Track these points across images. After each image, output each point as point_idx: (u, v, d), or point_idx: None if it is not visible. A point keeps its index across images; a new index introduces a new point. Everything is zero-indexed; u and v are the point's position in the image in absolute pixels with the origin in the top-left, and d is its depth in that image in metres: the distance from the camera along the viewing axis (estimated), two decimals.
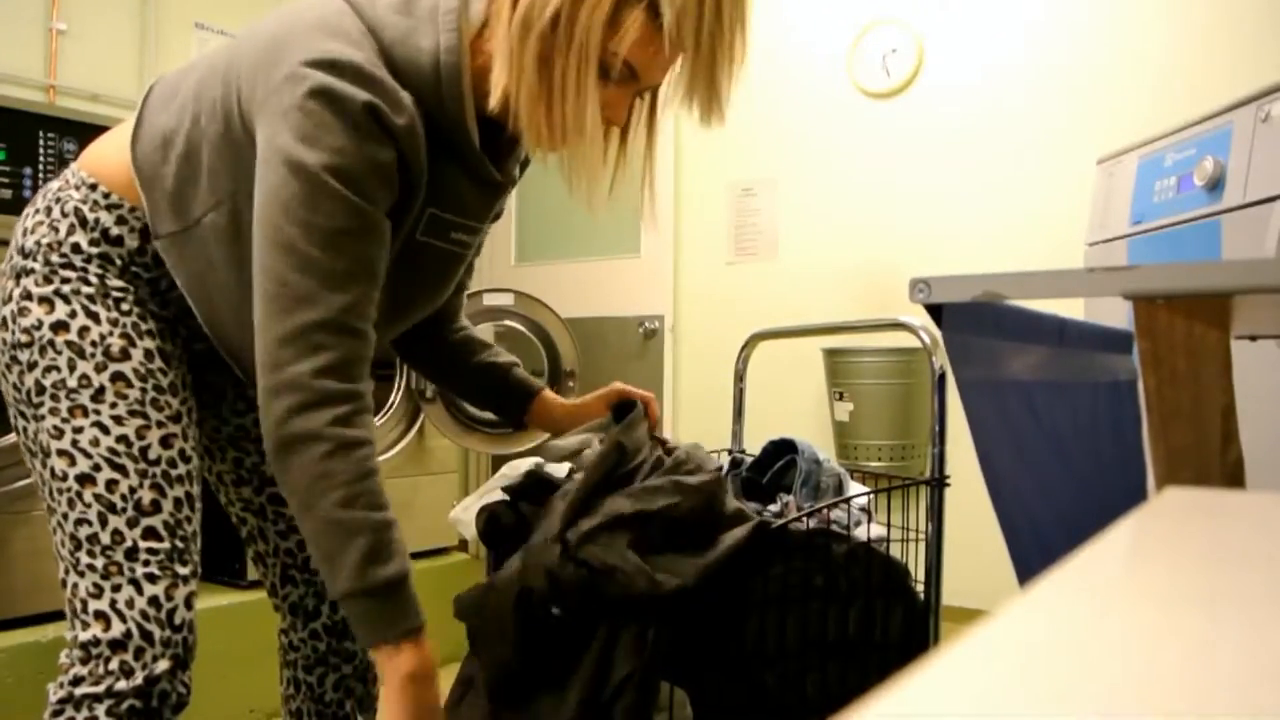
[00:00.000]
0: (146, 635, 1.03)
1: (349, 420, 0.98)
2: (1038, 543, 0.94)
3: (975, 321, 0.88)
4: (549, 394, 1.44)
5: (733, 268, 3.64)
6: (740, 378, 1.89)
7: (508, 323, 2.85)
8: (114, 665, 1.01)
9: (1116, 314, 1.79)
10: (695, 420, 3.69)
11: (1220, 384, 0.79)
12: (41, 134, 2.33)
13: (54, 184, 1.12)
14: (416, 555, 2.74)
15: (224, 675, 2.09)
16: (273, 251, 0.95)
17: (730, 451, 1.84)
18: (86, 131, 2.37)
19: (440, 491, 2.80)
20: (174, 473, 1.08)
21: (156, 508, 1.05)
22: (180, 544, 1.07)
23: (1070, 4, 2.96)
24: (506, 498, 1.37)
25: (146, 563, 1.03)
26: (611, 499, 1.17)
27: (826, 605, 1.20)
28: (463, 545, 2.95)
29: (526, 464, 1.43)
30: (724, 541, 1.14)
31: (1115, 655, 0.27)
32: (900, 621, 1.25)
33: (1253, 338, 1.28)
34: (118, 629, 1.02)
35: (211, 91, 1.03)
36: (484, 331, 2.80)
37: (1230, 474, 0.82)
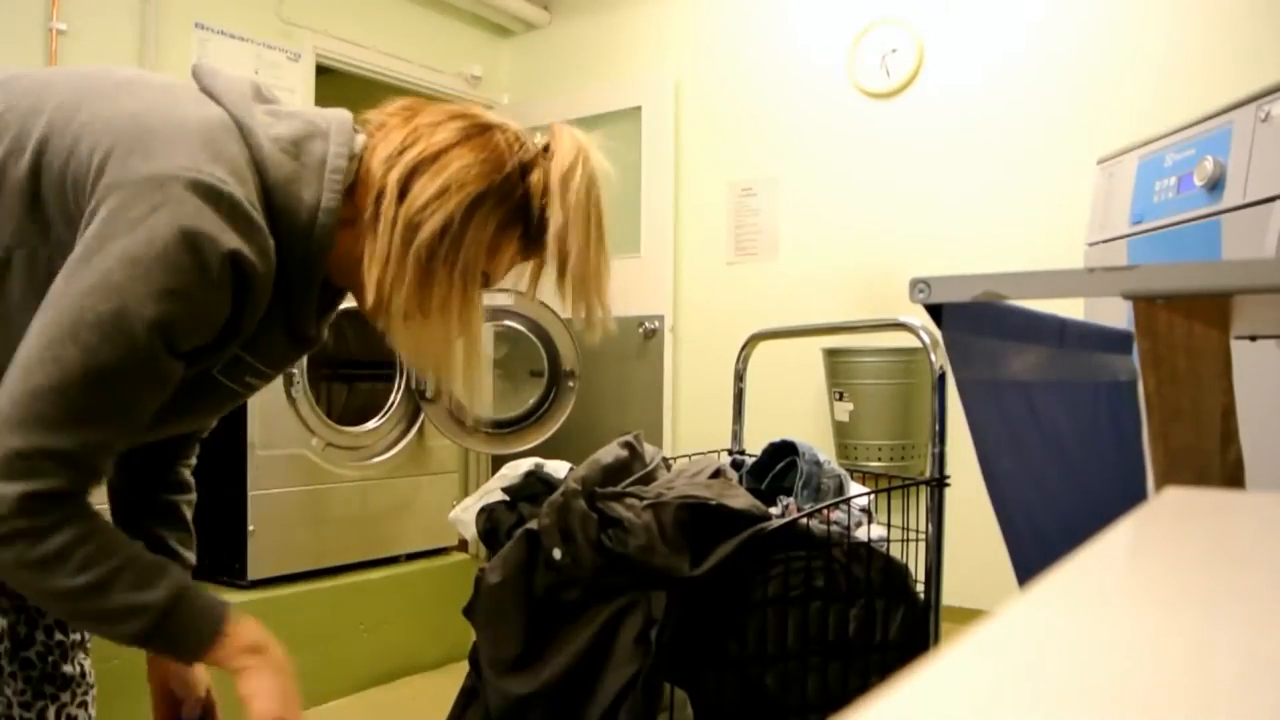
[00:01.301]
0: None
1: (45, 537, 0.86)
2: (1037, 543, 0.94)
3: (975, 321, 0.88)
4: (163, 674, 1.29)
5: (733, 268, 3.64)
6: (740, 378, 1.89)
7: (508, 323, 2.85)
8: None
9: (1116, 314, 1.79)
10: (695, 420, 3.69)
11: (1220, 384, 0.79)
12: None
13: None
14: (416, 555, 2.75)
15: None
16: (46, 361, 0.83)
17: (730, 452, 1.84)
18: None
19: (440, 491, 2.80)
20: None
21: None
22: None
23: (1070, 4, 2.96)
24: (506, 498, 1.37)
25: None
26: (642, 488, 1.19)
27: (827, 606, 1.20)
28: (463, 545, 2.95)
29: (526, 464, 1.43)
30: (725, 546, 1.15)
31: (1115, 655, 0.27)
32: (901, 622, 1.25)
33: (1253, 338, 1.28)
34: None
35: (21, 124, 0.90)
36: (484, 331, 2.80)
37: (1230, 474, 0.82)
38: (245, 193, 0.87)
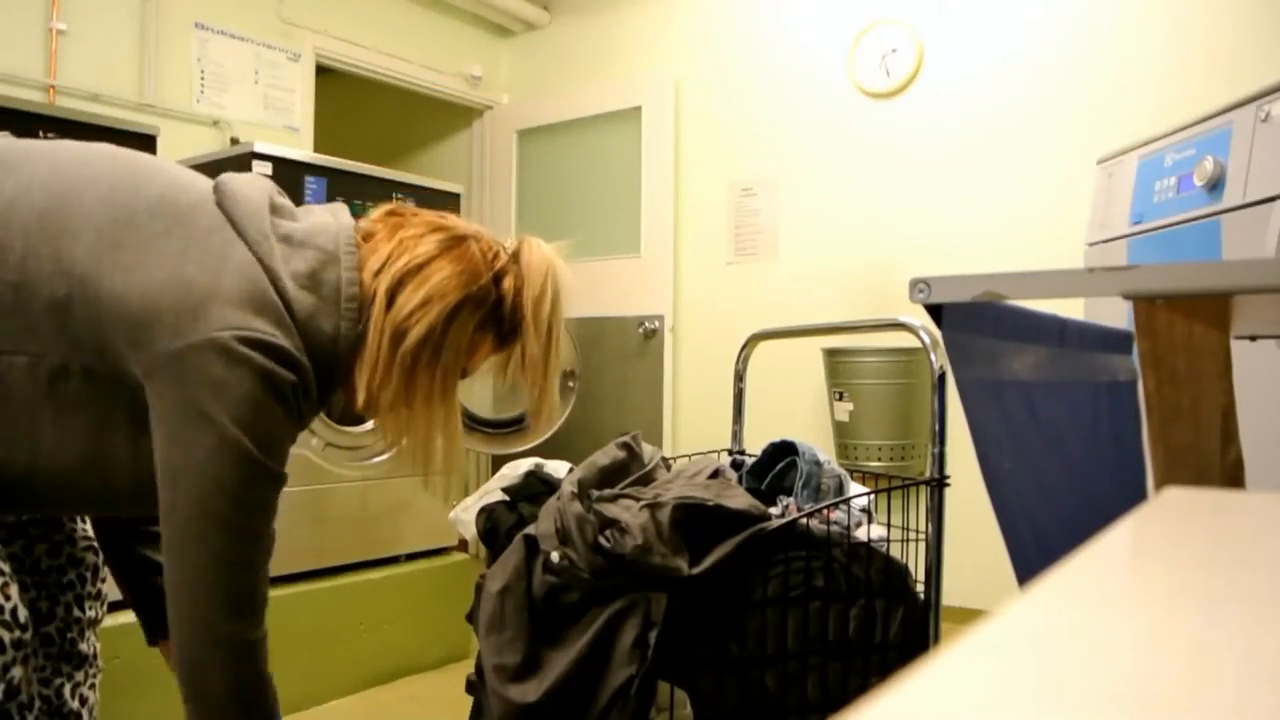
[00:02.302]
0: None
1: (264, 657, 1.05)
2: (1037, 543, 0.94)
3: (975, 321, 0.88)
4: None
5: (733, 268, 3.64)
6: (740, 378, 1.89)
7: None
8: None
9: (1116, 314, 1.79)
10: (695, 420, 3.69)
11: (1220, 384, 0.79)
12: (41, 134, 2.33)
13: None
14: (416, 555, 2.74)
15: None
16: (208, 520, 0.97)
17: (730, 452, 1.84)
18: (86, 131, 2.36)
19: (440, 492, 2.79)
20: None
21: None
22: None
23: (1070, 4, 2.96)
24: (506, 498, 1.37)
25: None
26: (639, 489, 1.18)
27: (827, 606, 1.20)
28: (463, 545, 2.95)
29: (526, 464, 1.43)
30: (724, 545, 1.14)
31: (1115, 655, 0.27)
32: (900, 622, 1.25)
33: (1253, 338, 1.28)
34: None
35: (60, 246, 0.96)
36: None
37: (1230, 474, 0.82)
38: (292, 342, 1.00)
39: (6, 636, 0.98)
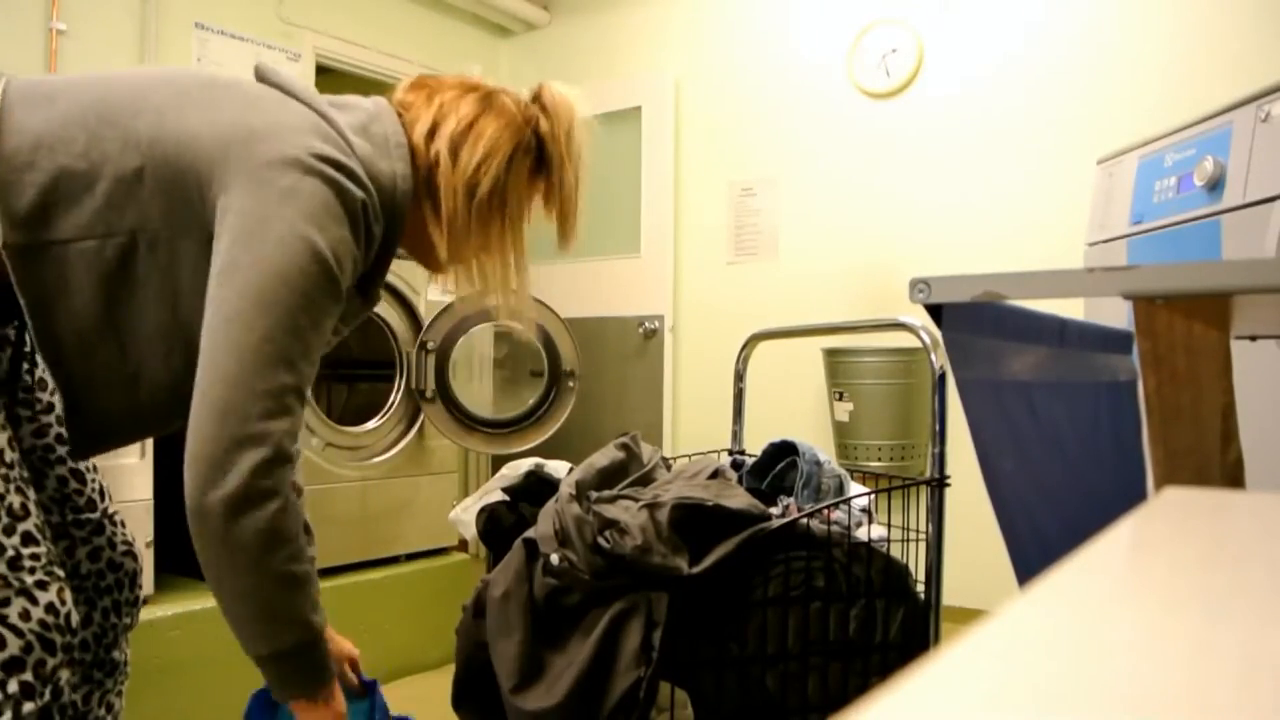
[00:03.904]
0: (48, 645, 0.97)
1: (292, 483, 0.98)
2: (1037, 543, 0.94)
3: (975, 321, 0.88)
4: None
5: (733, 268, 3.64)
6: (740, 378, 1.89)
7: (508, 322, 2.84)
8: (13, 688, 0.94)
9: (1116, 314, 1.79)
10: (695, 420, 3.69)
11: (1220, 384, 0.79)
12: None
13: None
14: (416, 555, 2.74)
15: (223, 675, 2.08)
16: (262, 309, 0.95)
17: (730, 452, 1.84)
18: None
19: (440, 491, 2.80)
20: (25, 474, 1.04)
21: (26, 511, 1.00)
22: (51, 546, 1.02)
23: (1071, 4, 2.96)
24: (506, 498, 1.37)
25: (32, 570, 0.98)
26: (637, 490, 1.18)
27: (827, 606, 1.20)
28: (463, 545, 2.95)
29: (527, 464, 1.43)
30: (724, 545, 1.14)
31: (1115, 655, 0.27)
32: (901, 622, 1.25)
33: (1253, 338, 1.28)
34: (14, 646, 0.95)
35: (131, 124, 1.00)
36: (484, 332, 2.80)
37: (1230, 474, 0.82)
38: (357, 166, 1.03)
39: (58, 640, 0.98)
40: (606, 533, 1.11)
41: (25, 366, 1.20)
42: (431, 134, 1.12)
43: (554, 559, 1.11)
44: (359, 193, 1.02)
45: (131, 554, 1.30)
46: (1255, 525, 0.48)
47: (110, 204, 0.99)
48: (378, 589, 2.57)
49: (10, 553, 0.97)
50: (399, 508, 2.67)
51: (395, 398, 2.68)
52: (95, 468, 1.27)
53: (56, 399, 1.23)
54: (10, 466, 1.00)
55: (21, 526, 0.99)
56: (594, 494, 1.17)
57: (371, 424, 2.64)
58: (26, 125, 0.99)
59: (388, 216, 1.09)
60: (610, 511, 1.13)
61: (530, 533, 1.17)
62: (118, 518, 1.29)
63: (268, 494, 0.94)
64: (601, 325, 3.80)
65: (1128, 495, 1.17)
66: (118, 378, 1.03)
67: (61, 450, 1.23)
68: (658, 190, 3.77)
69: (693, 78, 3.76)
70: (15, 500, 0.99)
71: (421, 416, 2.70)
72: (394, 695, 2.49)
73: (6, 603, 0.95)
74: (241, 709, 1.24)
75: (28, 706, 0.94)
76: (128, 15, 3.02)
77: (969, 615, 2.74)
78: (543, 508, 1.24)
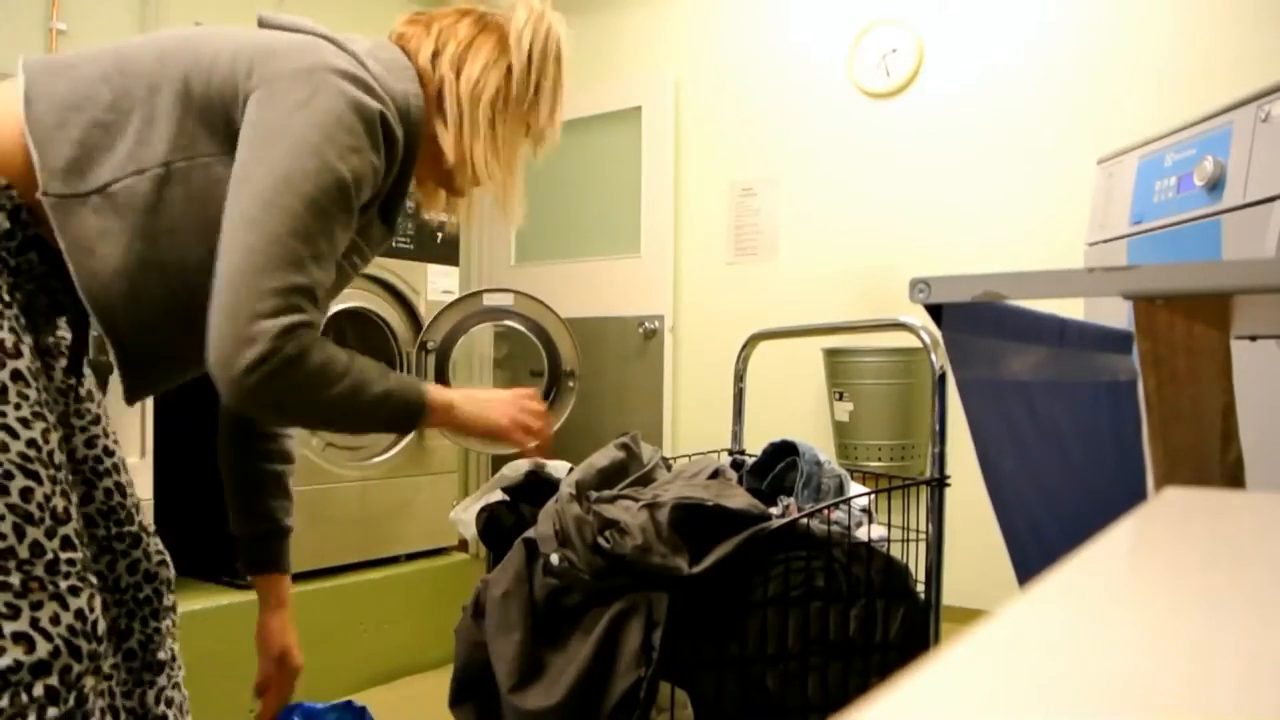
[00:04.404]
0: (75, 651, 0.98)
1: (307, 357, 1.02)
2: (1038, 543, 0.94)
3: (975, 321, 0.88)
4: (285, 583, 1.42)
5: (733, 268, 3.64)
6: (740, 378, 1.89)
7: (508, 323, 2.84)
8: (38, 691, 0.94)
9: (1116, 314, 1.79)
10: (695, 420, 3.69)
11: (1220, 384, 0.79)
12: None
13: None
14: (416, 555, 2.74)
15: (223, 675, 2.08)
16: (269, 211, 0.99)
17: (731, 452, 1.84)
18: None
19: (440, 491, 2.80)
20: (70, 478, 1.04)
21: (68, 516, 1.01)
22: (86, 553, 1.03)
23: (1070, 4, 2.96)
24: (506, 498, 1.37)
25: (67, 575, 0.99)
26: (636, 490, 1.18)
27: (827, 606, 1.20)
28: (463, 545, 2.95)
29: (527, 464, 1.43)
30: (724, 545, 1.14)
31: (1115, 655, 0.27)
32: (901, 622, 1.25)
33: (1253, 338, 1.28)
34: (43, 649, 0.95)
35: (153, 68, 1.05)
36: (484, 332, 2.80)
37: (1230, 474, 0.82)
38: (372, 80, 1.09)
39: (85, 647, 0.99)
40: (606, 533, 1.10)
41: (73, 380, 1.22)
42: (435, 56, 1.21)
43: (554, 559, 1.11)
44: (375, 104, 1.07)
45: (165, 563, 1.33)
46: (1255, 525, 0.48)
47: (140, 141, 1.03)
48: (378, 589, 2.57)
49: (49, 555, 0.98)
50: (399, 508, 2.67)
51: None
52: (131, 482, 1.29)
53: (104, 410, 1.26)
54: (59, 469, 1.01)
55: (62, 530, 1.00)
56: (594, 494, 1.17)
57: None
58: (53, 90, 1.03)
59: (405, 134, 1.14)
60: (610, 511, 1.13)
61: (530, 533, 1.17)
62: (151, 529, 1.32)
63: (291, 360, 0.99)
64: (601, 325, 3.80)
65: (1128, 495, 1.17)
66: (166, 316, 1.06)
67: (109, 462, 1.25)
68: (658, 190, 3.77)
69: (693, 78, 3.76)
70: (60, 504, 1.00)
71: None
72: (394, 695, 2.49)
73: (39, 606, 0.96)
74: (243, 707, 1.25)
75: (51, 712, 0.95)
76: (128, 15, 3.02)
77: (969, 615, 2.74)
78: (543, 508, 1.24)
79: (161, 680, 1.30)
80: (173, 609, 1.34)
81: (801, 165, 3.48)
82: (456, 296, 2.63)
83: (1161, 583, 0.36)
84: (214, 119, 1.04)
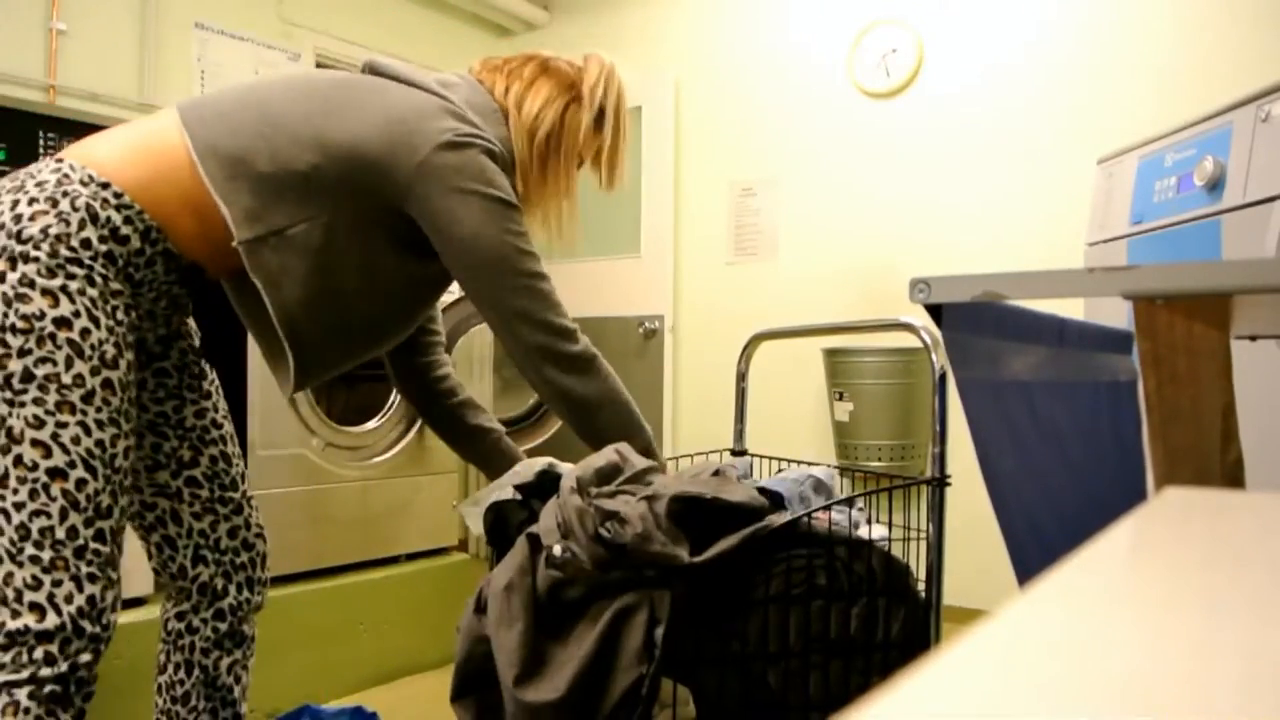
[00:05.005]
0: (78, 630, 1.10)
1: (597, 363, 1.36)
2: (1037, 543, 0.94)
3: (975, 321, 0.88)
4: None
5: (733, 268, 3.64)
6: (742, 378, 1.89)
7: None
8: (38, 654, 1.08)
9: (1116, 314, 1.79)
10: (695, 420, 3.69)
11: (1220, 384, 0.79)
12: (41, 134, 2.33)
13: (45, 175, 1.15)
14: (416, 555, 2.74)
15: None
16: (500, 264, 1.25)
17: (733, 452, 1.84)
18: (86, 131, 2.36)
19: (440, 491, 2.80)
20: (126, 483, 1.16)
21: (109, 513, 1.13)
22: (117, 551, 1.15)
23: (1071, 4, 2.96)
24: (519, 496, 1.37)
25: (90, 562, 1.11)
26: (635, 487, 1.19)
27: (829, 604, 1.20)
28: (463, 545, 2.95)
29: (540, 462, 1.43)
30: (727, 539, 1.14)
31: (1115, 655, 0.27)
32: (902, 621, 1.25)
33: (1253, 338, 1.29)
34: (51, 621, 1.08)
35: (302, 129, 1.23)
36: (484, 331, 2.80)
37: (1230, 474, 0.82)
38: (479, 129, 1.29)
39: (88, 629, 1.11)
40: (607, 523, 1.11)
41: (191, 357, 1.39)
42: (504, 94, 1.38)
43: (556, 550, 1.12)
44: (495, 146, 1.29)
45: (263, 537, 1.47)
46: (1255, 525, 0.48)
47: (305, 195, 1.22)
48: (378, 589, 2.57)
49: (81, 541, 1.10)
50: (399, 508, 2.67)
51: (395, 398, 2.68)
52: (240, 454, 1.45)
53: (215, 388, 1.44)
54: (117, 471, 1.13)
55: (100, 523, 1.11)
56: (594, 489, 1.18)
57: (371, 424, 2.64)
58: (214, 143, 1.20)
59: (505, 168, 1.32)
60: (610, 504, 1.13)
61: (534, 527, 1.17)
62: (253, 503, 1.46)
63: (592, 361, 1.33)
64: (601, 325, 3.80)
65: (1128, 495, 1.17)
66: (335, 328, 1.28)
67: (216, 433, 1.41)
68: (658, 190, 3.77)
69: (693, 78, 3.76)
70: (105, 501, 1.12)
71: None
72: (394, 695, 2.49)
73: (59, 584, 1.09)
74: (249, 709, 1.25)
75: (46, 671, 1.08)
76: (128, 15, 3.02)
77: (969, 615, 2.74)
78: (542, 510, 1.24)
79: (238, 654, 1.43)
80: (265, 586, 1.47)
81: (801, 165, 3.48)
82: (456, 297, 2.63)
83: (1161, 583, 0.36)
84: (366, 184, 1.23)
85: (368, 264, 1.27)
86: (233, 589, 1.41)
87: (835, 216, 3.40)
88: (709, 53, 3.72)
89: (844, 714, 0.23)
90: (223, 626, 1.40)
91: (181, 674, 1.38)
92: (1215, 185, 1.76)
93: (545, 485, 1.35)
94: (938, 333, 0.92)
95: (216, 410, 1.42)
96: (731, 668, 1.16)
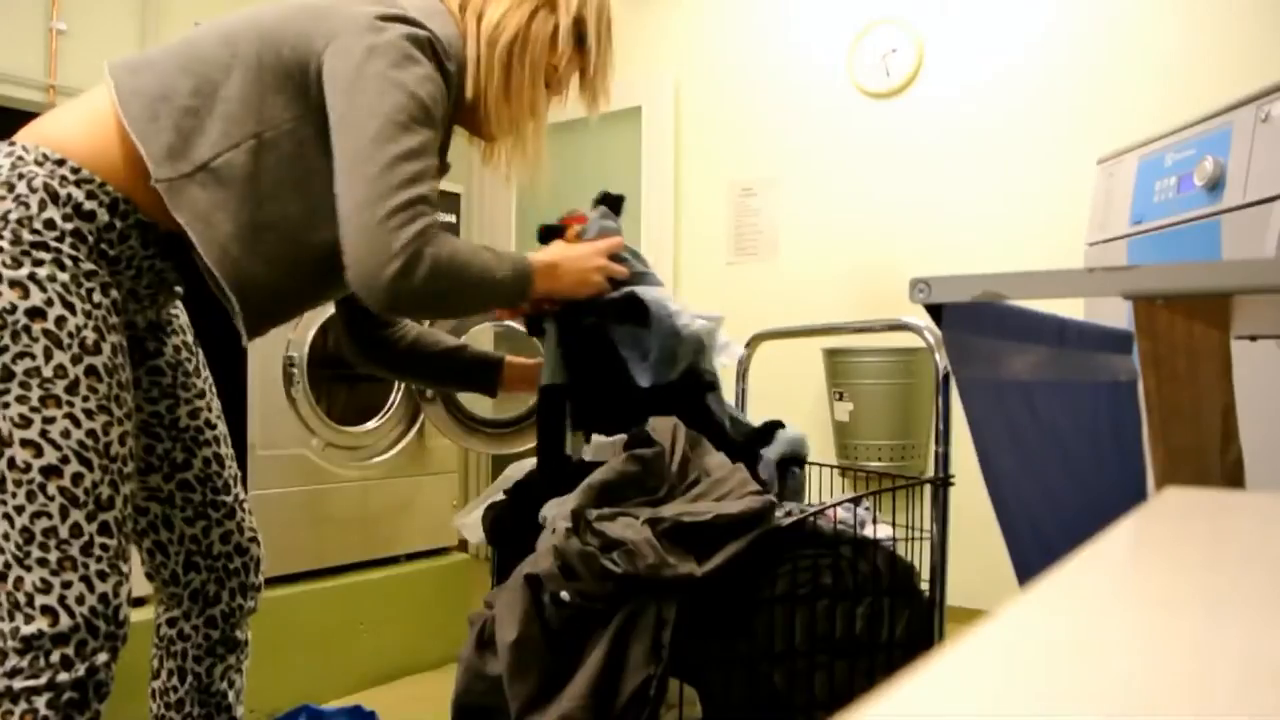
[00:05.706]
0: (93, 630, 1.08)
1: (442, 245, 1.16)
2: (1038, 543, 0.94)
3: (975, 321, 0.88)
4: (511, 358, 1.58)
5: (733, 268, 3.64)
6: (743, 378, 1.89)
7: (508, 322, 2.84)
8: (55, 658, 1.06)
9: (1116, 314, 1.79)
10: None
11: (1220, 384, 0.79)
12: None
13: None
14: (416, 555, 2.74)
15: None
16: (375, 144, 1.11)
17: None
18: None
19: (440, 491, 2.79)
20: (125, 470, 1.12)
21: (111, 504, 1.10)
22: (124, 541, 1.12)
23: (1071, 4, 2.97)
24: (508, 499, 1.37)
25: (99, 559, 1.08)
26: (638, 509, 1.17)
27: (834, 603, 1.20)
28: (463, 545, 2.95)
29: (528, 465, 1.43)
30: (733, 544, 1.14)
31: (1115, 655, 0.27)
32: (907, 621, 1.25)
33: (1253, 338, 1.29)
34: (65, 623, 1.06)
35: (223, 51, 1.16)
36: (484, 331, 2.80)
37: (1230, 474, 0.82)
38: (413, 19, 1.18)
39: (103, 628, 1.09)
40: (614, 554, 1.09)
41: (185, 354, 1.35)
42: (463, 7, 1.28)
43: (564, 595, 1.11)
44: (424, 32, 1.18)
45: (256, 541, 1.42)
46: (1255, 525, 0.48)
47: (227, 119, 1.14)
48: (378, 589, 2.57)
49: (86, 538, 1.07)
50: (399, 508, 2.67)
51: (395, 398, 2.68)
52: (233, 455, 1.40)
53: (209, 386, 1.39)
54: (114, 460, 1.10)
55: (103, 516, 1.09)
56: (593, 512, 1.14)
57: (371, 424, 2.64)
58: (139, 86, 1.14)
59: (450, 69, 1.23)
60: (612, 530, 1.11)
61: (530, 568, 1.14)
62: (246, 506, 1.41)
63: (434, 257, 1.12)
64: None
65: (1128, 495, 1.17)
66: (279, 262, 1.19)
67: (210, 434, 1.36)
68: (658, 190, 3.77)
69: (693, 78, 3.76)
70: (105, 492, 1.09)
71: (421, 417, 2.70)
72: (394, 695, 2.49)
73: (69, 585, 1.06)
74: (248, 709, 1.25)
75: (62, 676, 1.06)
76: (128, 15, 3.02)
77: (970, 615, 2.74)
78: (539, 537, 1.20)
79: (231, 659, 1.40)
80: (258, 591, 1.42)
81: (801, 165, 3.48)
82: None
83: (1161, 583, 0.36)
84: (290, 86, 1.16)
85: (303, 182, 1.17)
86: (225, 595, 1.37)
87: (835, 216, 3.40)
88: (709, 53, 3.72)
89: (848, 713, 0.23)
90: (215, 633, 1.37)
91: (175, 680, 1.36)
92: (1215, 185, 1.76)
93: (535, 487, 1.34)
94: (940, 333, 0.92)
95: (210, 410, 1.37)
96: (738, 668, 1.16)
